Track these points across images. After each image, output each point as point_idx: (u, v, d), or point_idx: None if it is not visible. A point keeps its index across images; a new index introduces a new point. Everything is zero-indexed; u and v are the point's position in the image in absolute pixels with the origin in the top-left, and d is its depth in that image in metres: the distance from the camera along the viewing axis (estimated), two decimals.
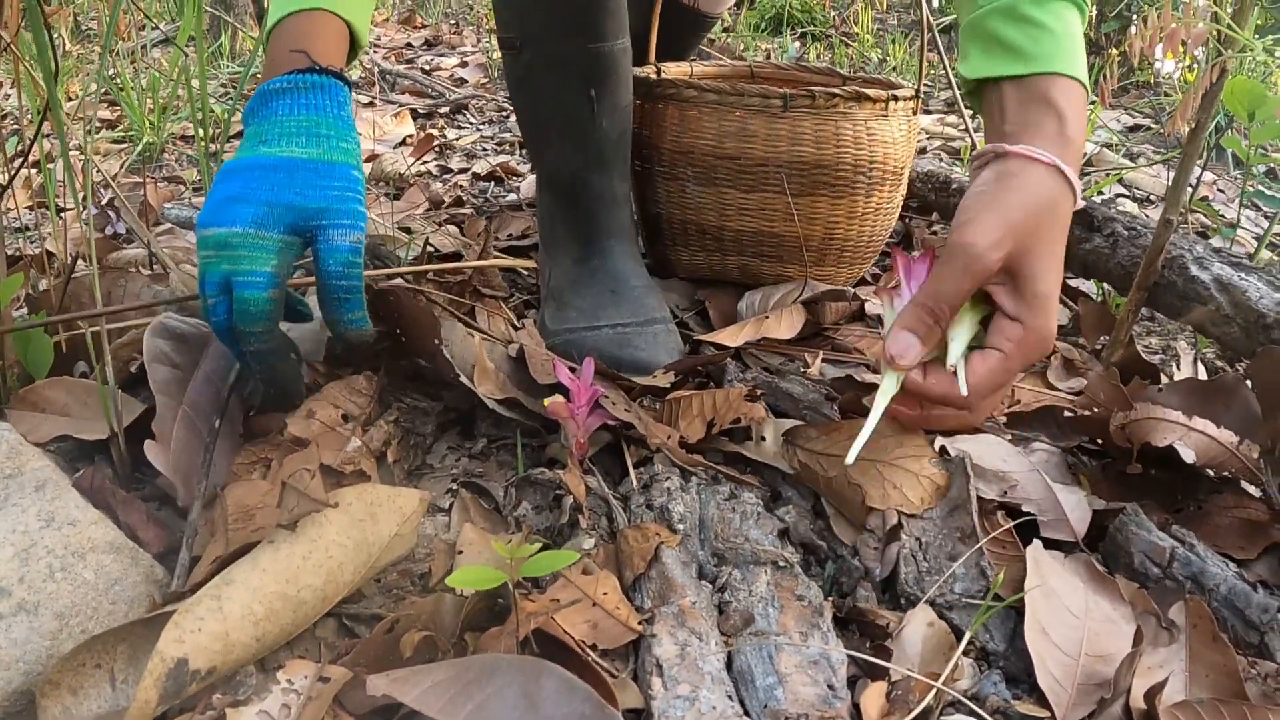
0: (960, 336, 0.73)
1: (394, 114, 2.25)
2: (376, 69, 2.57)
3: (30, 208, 1.75)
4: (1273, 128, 1.28)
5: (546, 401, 0.81)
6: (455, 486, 0.83)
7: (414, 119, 2.27)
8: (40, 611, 0.62)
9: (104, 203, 1.65)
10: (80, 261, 1.07)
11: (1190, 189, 1.71)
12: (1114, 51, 3.48)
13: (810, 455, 0.80)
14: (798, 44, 3.79)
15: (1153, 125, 2.73)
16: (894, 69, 3.45)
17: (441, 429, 0.93)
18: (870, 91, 1.16)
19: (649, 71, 1.34)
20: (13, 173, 0.99)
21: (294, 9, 0.82)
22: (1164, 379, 1.08)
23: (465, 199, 1.69)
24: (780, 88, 1.38)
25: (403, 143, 2.11)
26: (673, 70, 1.41)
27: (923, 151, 2.21)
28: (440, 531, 0.77)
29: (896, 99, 1.18)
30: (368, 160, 1.96)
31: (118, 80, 2.18)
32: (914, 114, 1.24)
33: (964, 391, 0.72)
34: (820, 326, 1.18)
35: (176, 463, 0.73)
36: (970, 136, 1.45)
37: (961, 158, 2.14)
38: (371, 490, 0.66)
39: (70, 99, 2.34)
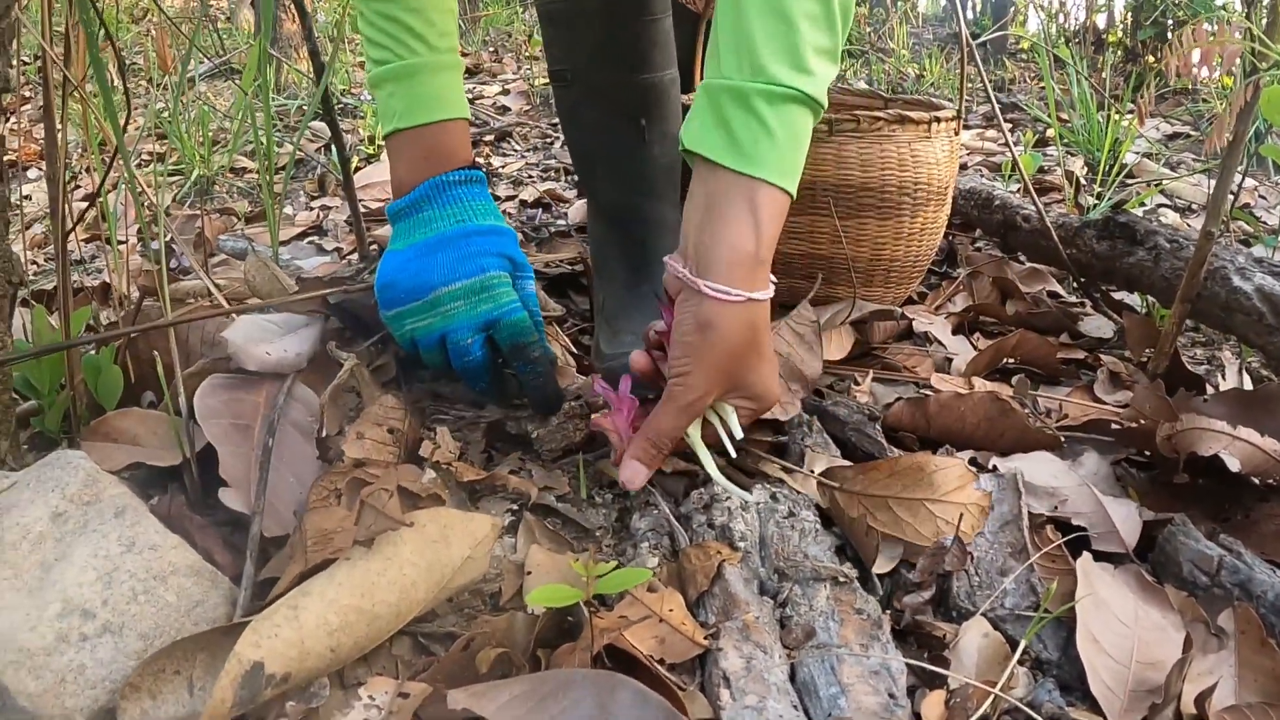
0: (698, 443, 0.84)
1: None
2: None
3: (86, 240, 1.81)
4: None
5: (594, 418, 0.87)
6: (516, 507, 0.86)
7: None
8: (125, 633, 0.66)
9: (166, 239, 1.70)
10: (146, 297, 1.12)
11: (1231, 196, 1.72)
12: (1150, 59, 3.48)
13: (845, 495, 0.83)
14: None
15: (1192, 133, 2.73)
16: (931, 84, 3.48)
17: (491, 439, 0.97)
18: (913, 114, 1.19)
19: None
20: (74, 214, 1.04)
21: (434, 119, 0.96)
22: (1209, 389, 1.10)
23: (514, 225, 1.73)
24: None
25: None
26: None
27: (964, 168, 2.23)
28: (507, 552, 0.80)
29: (939, 120, 1.21)
30: None
31: (167, 114, 2.26)
32: (956, 134, 1.27)
33: (733, 454, 0.85)
34: (869, 346, 1.21)
35: (256, 502, 0.76)
36: (1010, 150, 1.48)
37: (1002, 173, 2.15)
38: (445, 514, 0.69)
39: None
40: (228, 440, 0.82)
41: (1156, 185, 1.98)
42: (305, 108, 2.48)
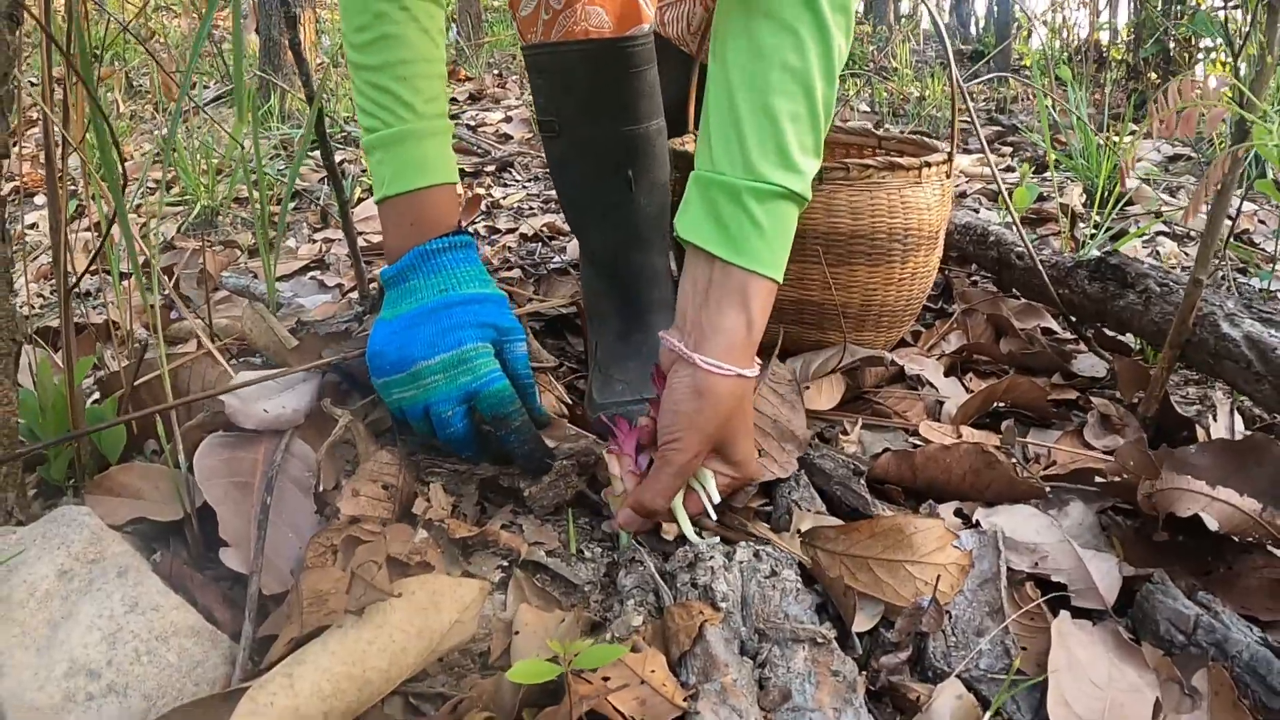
0: (678, 507, 0.89)
1: None
2: None
3: (92, 272, 1.84)
4: None
5: (604, 452, 0.93)
6: (507, 563, 0.89)
7: (461, 178, 2.35)
8: (129, 693, 0.69)
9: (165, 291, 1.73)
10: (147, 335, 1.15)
11: (1229, 221, 1.73)
12: (1153, 76, 3.50)
13: (828, 555, 0.85)
14: None
15: (1193, 154, 2.75)
16: (933, 106, 3.50)
17: (484, 492, 0.99)
18: (903, 161, 1.21)
19: (690, 143, 1.41)
20: (78, 245, 1.07)
21: (419, 186, 1.00)
22: (1200, 431, 1.12)
23: (513, 261, 1.76)
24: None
25: None
26: None
27: (962, 195, 2.25)
28: (497, 610, 0.83)
29: (929, 164, 1.23)
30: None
31: (171, 146, 2.29)
32: (947, 176, 1.29)
33: (713, 517, 0.90)
34: (861, 390, 1.23)
35: (255, 562, 0.79)
36: (1000, 188, 1.50)
37: (999, 203, 2.17)
38: (434, 580, 0.72)
39: (126, 159, 2.45)
40: (227, 500, 0.84)
41: (1151, 222, 2.00)
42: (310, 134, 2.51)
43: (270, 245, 1.38)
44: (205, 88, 2.86)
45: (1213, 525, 0.84)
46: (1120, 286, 1.27)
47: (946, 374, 1.31)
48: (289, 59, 2.72)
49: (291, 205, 2.15)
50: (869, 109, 3.32)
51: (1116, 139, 2.68)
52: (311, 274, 1.73)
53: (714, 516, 0.89)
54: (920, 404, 1.21)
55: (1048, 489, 0.97)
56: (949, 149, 1.29)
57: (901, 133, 1.58)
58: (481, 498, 0.99)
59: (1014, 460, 1.03)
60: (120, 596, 0.74)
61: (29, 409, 0.94)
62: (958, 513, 0.96)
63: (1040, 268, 1.38)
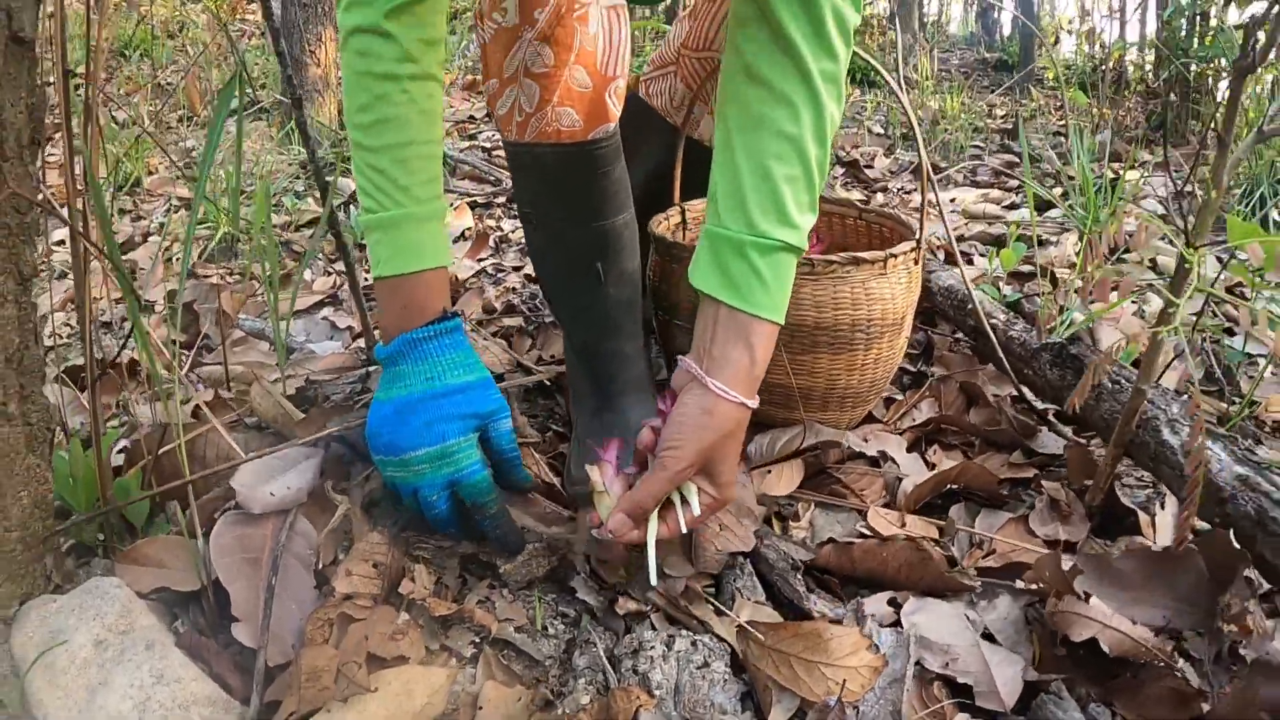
0: (652, 530, 1.04)
1: (454, 205, 2.46)
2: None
3: (117, 300, 1.99)
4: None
5: (588, 466, 1.08)
6: (479, 639, 1.03)
7: (472, 210, 2.47)
8: None
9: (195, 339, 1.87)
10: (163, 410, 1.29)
11: (1220, 263, 1.83)
12: (1173, 96, 3.57)
13: (758, 646, 0.99)
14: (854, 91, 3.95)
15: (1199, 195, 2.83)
16: (948, 127, 3.61)
17: (465, 566, 1.13)
18: (867, 256, 1.32)
19: (673, 219, 1.53)
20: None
21: (411, 270, 1.11)
22: (1145, 520, 1.23)
23: (516, 304, 1.89)
24: None
25: (461, 236, 2.31)
26: (697, 208, 1.61)
27: (960, 239, 2.36)
28: (467, 683, 0.97)
29: (894, 256, 1.34)
30: None
31: (196, 154, 2.43)
32: (916, 263, 1.40)
33: (684, 529, 1.04)
34: (823, 466, 1.36)
35: (261, 636, 0.94)
36: (966, 281, 1.60)
37: (1001, 244, 2.28)
38: (408, 671, 0.86)
39: (151, 173, 2.60)
40: (239, 576, 0.99)
41: (1112, 305, 2.11)
42: (323, 160, 2.64)
43: (279, 311, 1.51)
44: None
45: (1107, 649, 0.96)
46: (1077, 376, 1.38)
47: (911, 448, 1.44)
48: (311, 75, 2.84)
49: (307, 233, 2.29)
50: (882, 130, 3.42)
51: (1120, 174, 2.78)
52: (324, 311, 1.87)
53: (685, 529, 1.04)
54: (880, 481, 1.33)
55: (978, 585, 1.10)
56: (918, 235, 1.41)
57: (887, 204, 1.68)
58: (463, 570, 1.13)
59: (949, 554, 1.16)
60: (149, 668, 0.89)
61: (61, 478, 1.08)
62: (891, 602, 1.09)
63: (1001, 354, 1.49)
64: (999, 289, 1.93)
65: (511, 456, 1.15)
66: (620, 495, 1.04)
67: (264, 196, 1.21)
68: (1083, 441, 1.40)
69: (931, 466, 1.40)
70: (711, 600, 1.08)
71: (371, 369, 1.51)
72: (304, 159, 2.68)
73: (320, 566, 1.06)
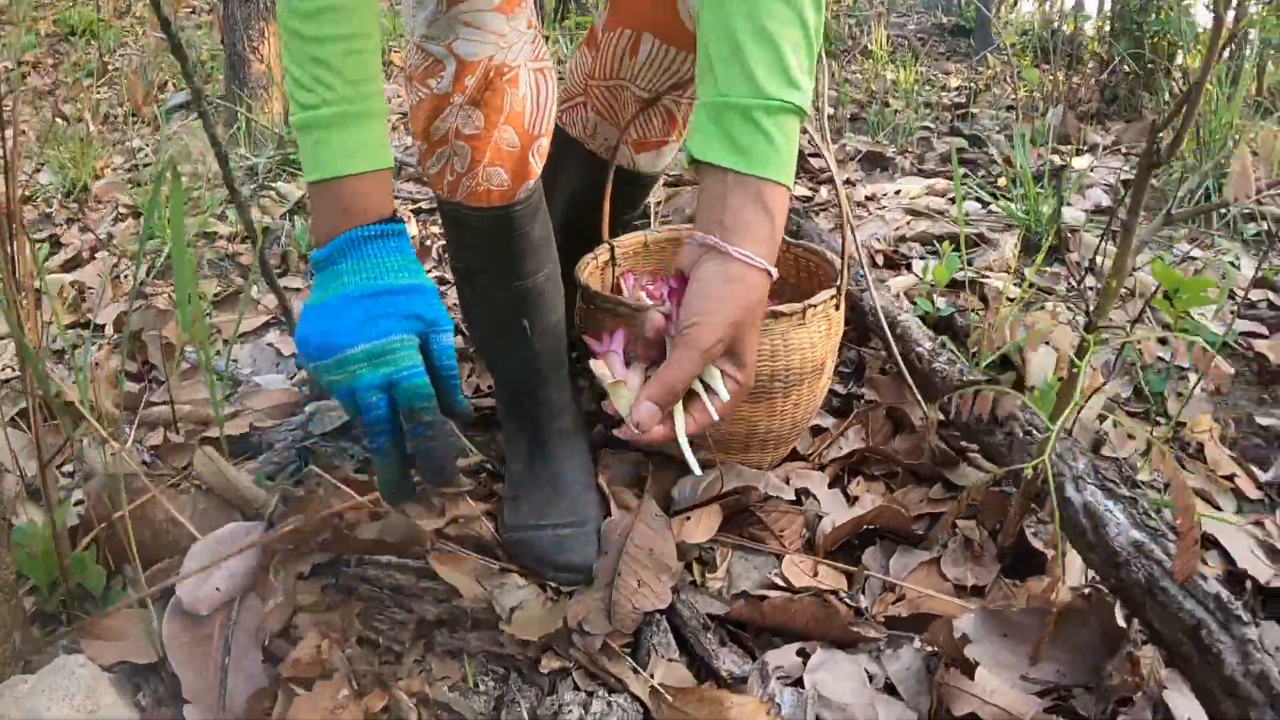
0: (680, 433, 1.03)
1: (402, 209, 2.52)
2: None
3: (68, 325, 2.05)
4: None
5: (590, 363, 1.08)
6: (415, 703, 1.13)
7: (416, 218, 2.53)
8: None
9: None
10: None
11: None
12: (1127, 69, 3.64)
13: (668, 707, 1.10)
14: None
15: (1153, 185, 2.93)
16: (906, 91, 3.67)
17: (419, 635, 1.23)
18: (784, 308, 1.38)
19: (601, 258, 1.61)
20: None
21: (356, 170, 1.05)
22: (1050, 564, 1.33)
23: (457, 322, 1.96)
24: None
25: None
26: (626, 243, 1.69)
27: (902, 239, 2.45)
28: None
29: (813, 306, 1.41)
30: None
31: (143, 156, 2.48)
32: (837, 308, 1.47)
33: (715, 418, 1.03)
34: (745, 505, 1.46)
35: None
36: (886, 340, 1.69)
37: (940, 254, 2.37)
38: None
39: (99, 177, 2.65)
40: (188, 659, 1.08)
41: (1020, 341, 2.20)
42: (267, 163, 2.67)
43: (215, 338, 1.59)
44: (172, 94, 3.02)
45: None
46: (991, 423, 1.47)
47: (834, 482, 1.54)
48: (255, 72, 2.87)
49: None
50: (832, 111, 3.48)
51: (1067, 161, 2.87)
52: (271, 335, 1.94)
53: (717, 417, 1.02)
54: (800, 519, 1.43)
55: (882, 638, 1.21)
56: (839, 281, 1.49)
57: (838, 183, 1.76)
58: (397, 635, 1.23)
59: (856, 606, 1.27)
60: None
61: (20, 553, 1.17)
62: (800, 652, 1.20)
63: (918, 397, 1.59)
64: (932, 302, 2.03)
65: (450, 374, 1.10)
66: (639, 386, 1.02)
67: (187, 272, 1.26)
68: (996, 487, 1.50)
69: (853, 500, 1.50)
70: (628, 658, 1.18)
71: (312, 410, 1.60)
72: (246, 166, 2.72)
73: (268, 642, 1.15)
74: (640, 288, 1.02)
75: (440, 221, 1.35)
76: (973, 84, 3.85)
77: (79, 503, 1.39)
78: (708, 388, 1.02)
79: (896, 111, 3.44)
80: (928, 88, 3.88)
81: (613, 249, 1.66)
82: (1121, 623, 1.14)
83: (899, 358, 1.65)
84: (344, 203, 1.06)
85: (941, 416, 1.59)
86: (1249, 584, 1.34)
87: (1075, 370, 1.20)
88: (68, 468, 1.53)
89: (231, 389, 1.70)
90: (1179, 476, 1.02)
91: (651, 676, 1.15)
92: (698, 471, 1.02)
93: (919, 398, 1.62)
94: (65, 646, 1.12)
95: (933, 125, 3.39)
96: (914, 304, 2.06)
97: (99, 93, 3.17)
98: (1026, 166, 2.46)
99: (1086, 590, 1.26)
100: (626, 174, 1.70)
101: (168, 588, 1.17)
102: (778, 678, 1.16)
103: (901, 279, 2.17)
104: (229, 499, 1.31)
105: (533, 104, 1.26)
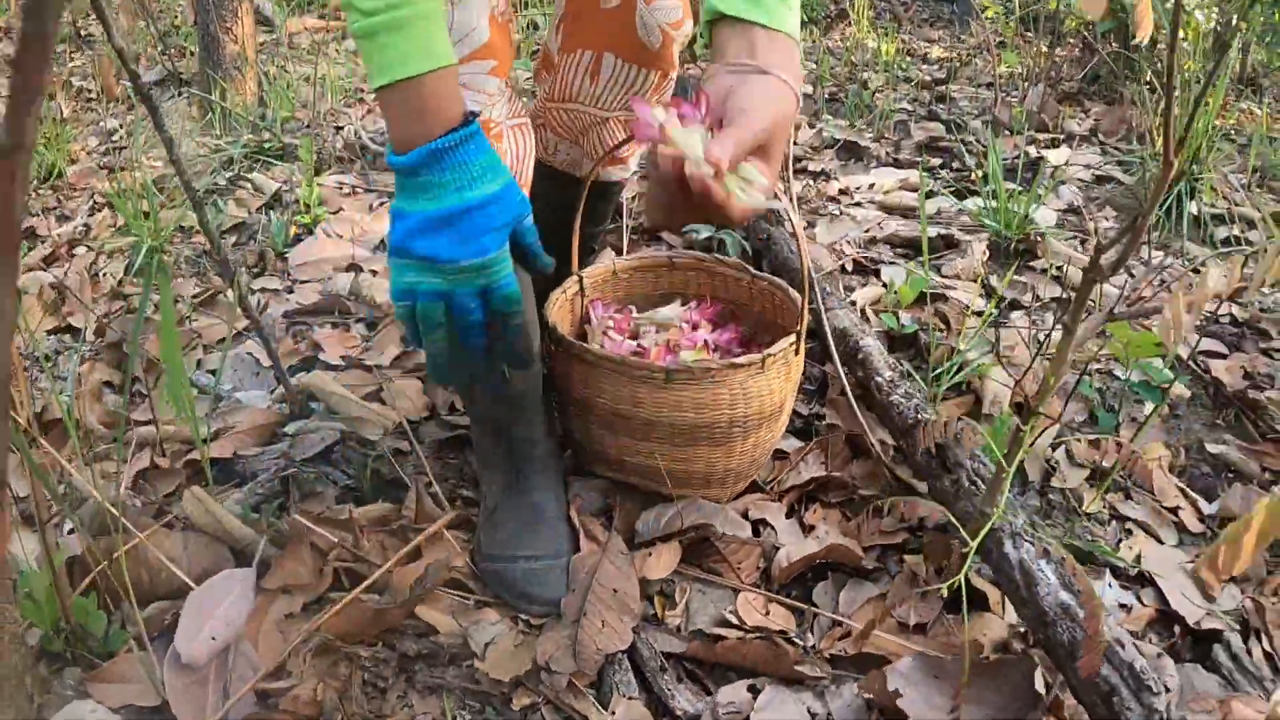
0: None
1: (378, 203, 2.62)
2: (358, 142, 2.87)
3: (50, 330, 2.16)
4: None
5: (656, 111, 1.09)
6: None
7: (369, 211, 2.61)
8: None
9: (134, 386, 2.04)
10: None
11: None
12: (1112, 46, 3.75)
13: None
14: None
15: (1122, 179, 3.05)
16: (886, 64, 3.76)
17: (400, 671, 1.37)
18: (742, 360, 1.49)
19: (570, 291, 1.74)
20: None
21: (428, 69, 1.13)
22: (994, 603, 1.48)
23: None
24: (698, 277, 1.92)
25: (381, 244, 2.48)
26: (595, 273, 1.82)
27: (873, 241, 2.57)
28: None
29: (771, 355, 1.51)
30: (347, 269, 2.35)
31: (117, 139, 2.56)
32: (796, 353, 1.58)
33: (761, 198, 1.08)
34: (705, 535, 1.60)
35: None
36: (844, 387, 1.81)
37: (914, 248, 2.50)
38: None
39: (74, 161, 2.73)
40: (190, 708, 1.23)
41: (982, 367, 2.33)
42: (242, 152, 2.75)
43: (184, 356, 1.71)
44: (152, 67, 3.09)
45: None
46: (941, 468, 1.61)
47: (791, 511, 1.69)
48: (229, 53, 2.93)
49: (230, 240, 2.45)
50: (810, 90, 3.58)
51: (1042, 153, 2.99)
52: (249, 342, 2.06)
53: (763, 200, 1.08)
54: (758, 551, 1.58)
55: (826, 677, 1.36)
56: (798, 327, 1.57)
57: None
58: (379, 674, 1.37)
59: (803, 645, 1.42)
60: None
61: (26, 605, 1.30)
62: (751, 688, 1.35)
63: (872, 441, 1.73)
64: (897, 318, 2.16)
65: (535, 249, 1.27)
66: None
67: (172, 340, 1.37)
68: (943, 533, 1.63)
69: (810, 530, 1.65)
70: (591, 696, 1.33)
71: (292, 432, 1.72)
72: (219, 154, 2.80)
73: (263, 685, 1.29)
74: (676, 104, 1.12)
75: None
76: (954, 57, 3.94)
77: (71, 530, 1.52)
78: (746, 180, 1.07)
79: (875, 92, 3.54)
80: (909, 59, 3.97)
81: (581, 280, 1.79)
82: (1042, 683, 1.28)
83: (854, 401, 1.79)
84: (419, 104, 1.13)
85: (898, 446, 1.74)
86: (1177, 628, 1.50)
87: (1021, 437, 1.34)
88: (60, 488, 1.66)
89: (213, 404, 1.82)
90: (1088, 584, 1.18)
91: (613, 714, 1.30)
92: (762, 200, 1.07)
93: (872, 441, 1.76)
94: (73, 687, 1.25)
95: (910, 108, 3.49)
96: (879, 317, 2.19)
97: (73, 60, 3.23)
98: (998, 172, 2.58)
99: (1018, 645, 1.42)
100: (596, 186, 1.79)
101: (166, 628, 1.31)
102: (726, 714, 1.31)
103: (868, 290, 2.29)
104: (218, 537, 1.44)
105: (514, 159, 1.38)
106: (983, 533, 1.32)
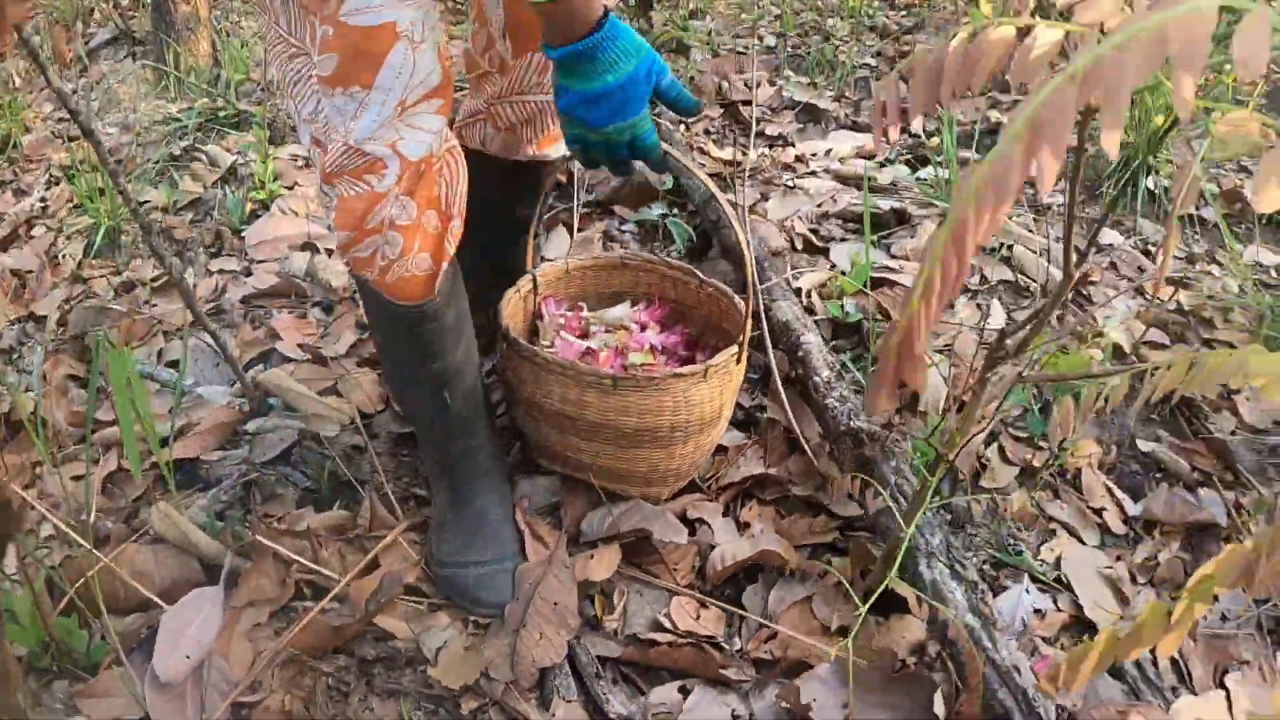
0: None
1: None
2: None
3: (12, 321, 2.28)
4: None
5: None
6: None
7: None
8: None
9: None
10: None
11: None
12: None
13: None
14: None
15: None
16: (851, 12, 3.84)
17: (361, 675, 1.55)
18: (685, 370, 1.63)
19: (524, 289, 1.88)
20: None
21: None
22: (912, 607, 1.65)
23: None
24: (648, 277, 2.06)
25: None
26: (548, 271, 1.97)
27: (825, 216, 2.71)
28: None
29: (713, 366, 1.66)
30: (303, 248, 2.48)
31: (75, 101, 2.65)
32: (739, 362, 1.71)
33: None
34: (648, 533, 1.77)
35: None
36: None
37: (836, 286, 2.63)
38: None
39: (29, 130, 2.82)
40: (169, 714, 1.40)
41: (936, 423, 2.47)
42: (196, 121, 2.83)
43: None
44: (98, 28, 3.15)
45: None
46: (866, 481, 1.76)
47: (727, 511, 1.86)
48: (181, 13, 2.98)
49: (188, 216, 2.57)
50: (771, 47, 3.67)
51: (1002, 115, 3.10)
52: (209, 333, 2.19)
53: None
54: (694, 550, 1.76)
55: (750, 681, 1.55)
56: (741, 337, 1.70)
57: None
58: (363, 676, 1.55)
59: (730, 650, 1.60)
60: None
61: (13, 629, 1.46)
62: (681, 689, 1.54)
63: (804, 442, 1.90)
64: (842, 307, 2.31)
65: (677, 96, 1.52)
66: None
67: (127, 416, 1.51)
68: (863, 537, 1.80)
69: (745, 528, 1.83)
70: (533, 699, 1.52)
71: (252, 430, 1.88)
72: (171, 123, 2.88)
73: (237, 696, 1.47)
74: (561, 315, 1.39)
75: (363, 308, 1.61)
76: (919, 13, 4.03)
77: (50, 538, 1.69)
78: None
79: (838, 46, 3.63)
80: (877, 4, 4.05)
81: (535, 279, 1.93)
82: (941, 705, 1.46)
83: (787, 407, 1.95)
84: (568, 17, 1.37)
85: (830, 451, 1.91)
86: (1087, 636, 1.68)
87: (930, 480, 1.51)
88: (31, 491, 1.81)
89: (176, 401, 1.97)
90: (969, 646, 1.36)
91: (553, 716, 1.49)
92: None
93: (806, 442, 1.92)
94: (63, 701, 1.43)
95: (874, 63, 3.60)
96: (825, 304, 2.33)
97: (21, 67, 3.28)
98: (951, 148, 2.71)
99: (934, 648, 1.59)
100: (532, 165, 1.94)
101: (144, 640, 1.48)
102: (657, 715, 1.50)
103: (815, 275, 2.44)
104: (186, 549, 1.61)
105: (449, 188, 1.51)
106: (898, 557, 1.49)
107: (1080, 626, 1.70)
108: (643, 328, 1.98)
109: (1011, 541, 1.83)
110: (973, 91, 0.79)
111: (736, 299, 1.90)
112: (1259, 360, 0.91)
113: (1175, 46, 0.55)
